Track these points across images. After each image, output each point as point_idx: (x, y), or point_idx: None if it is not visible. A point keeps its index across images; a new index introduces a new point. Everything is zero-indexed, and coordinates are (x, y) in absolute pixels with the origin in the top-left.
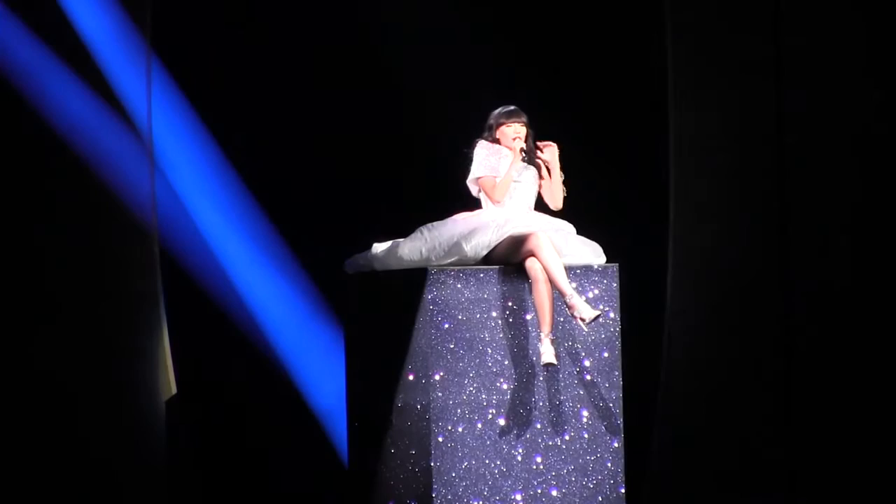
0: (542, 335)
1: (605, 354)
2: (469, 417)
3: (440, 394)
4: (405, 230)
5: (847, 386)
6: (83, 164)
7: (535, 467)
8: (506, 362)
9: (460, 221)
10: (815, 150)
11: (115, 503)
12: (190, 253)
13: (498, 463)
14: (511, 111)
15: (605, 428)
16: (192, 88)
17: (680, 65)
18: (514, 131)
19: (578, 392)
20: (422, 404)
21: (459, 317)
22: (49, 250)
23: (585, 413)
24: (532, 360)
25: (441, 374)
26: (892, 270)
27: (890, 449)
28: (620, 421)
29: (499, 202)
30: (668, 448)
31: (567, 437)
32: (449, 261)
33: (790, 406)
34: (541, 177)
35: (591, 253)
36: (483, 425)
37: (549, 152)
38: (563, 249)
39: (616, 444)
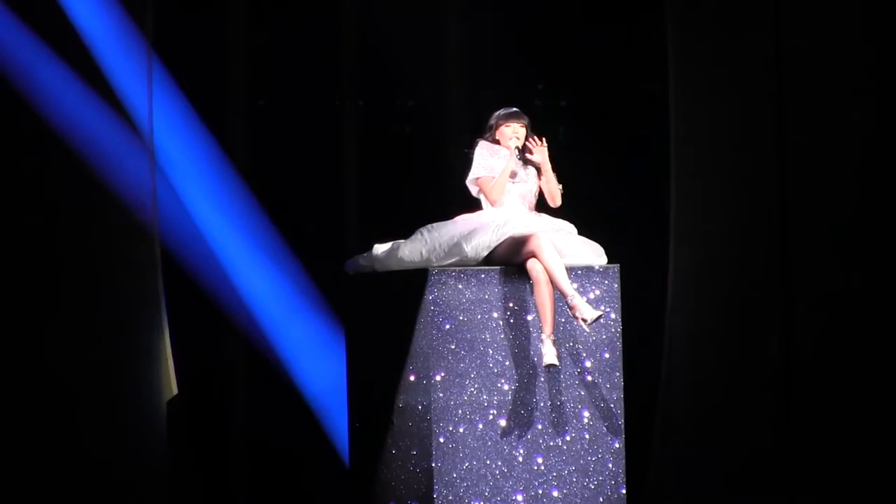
0: (544, 336)
1: (607, 355)
2: (470, 418)
3: (441, 394)
4: (406, 231)
5: (847, 386)
6: (84, 163)
7: (536, 468)
8: (507, 363)
9: (460, 222)
10: (816, 149)
11: (115, 503)
12: (191, 253)
13: (499, 464)
14: (511, 112)
15: (607, 429)
16: (192, 88)
17: (681, 65)
18: (514, 132)
19: (580, 393)
20: (423, 405)
21: (460, 317)
22: (50, 250)
23: (586, 414)
24: (533, 360)
25: (442, 374)
26: (893, 270)
27: (890, 450)
28: (621, 422)
29: (496, 202)
30: (669, 449)
31: (568, 438)
32: (449, 261)
33: (790, 406)
34: (539, 177)
35: (593, 253)
36: (484, 426)
37: (539, 152)
38: (564, 250)
39: (617, 445)
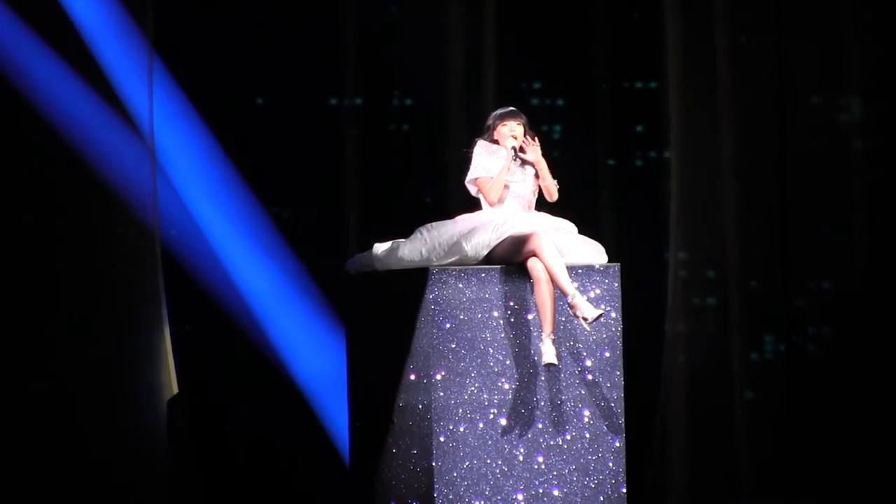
0: (544, 335)
1: (607, 354)
2: (471, 417)
3: (442, 393)
4: (407, 230)
5: (848, 386)
6: (84, 163)
7: (536, 467)
8: (507, 362)
9: (460, 222)
10: (816, 149)
11: (115, 503)
12: (191, 252)
13: (499, 463)
14: (508, 112)
15: (607, 427)
16: (193, 87)
17: (681, 64)
18: (510, 130)
19: (580, 392)
20: (423, 404)
21: (461, 316)
22: (50, 249)
23: (587, 413)
24: (533, 359)
25: (442, 373)
26: (893, 270)
27: (890, 450)
28: (622, 421)
29: (493, 202)
30: (669, 448)
31: (569, 437)
32: (449, 261)
33: (791, 406)
34: (537, 175)
35: (593, 252)
36: (485, 425)
37: (532, 151)
38: (565, 249)
39: (617, 444)
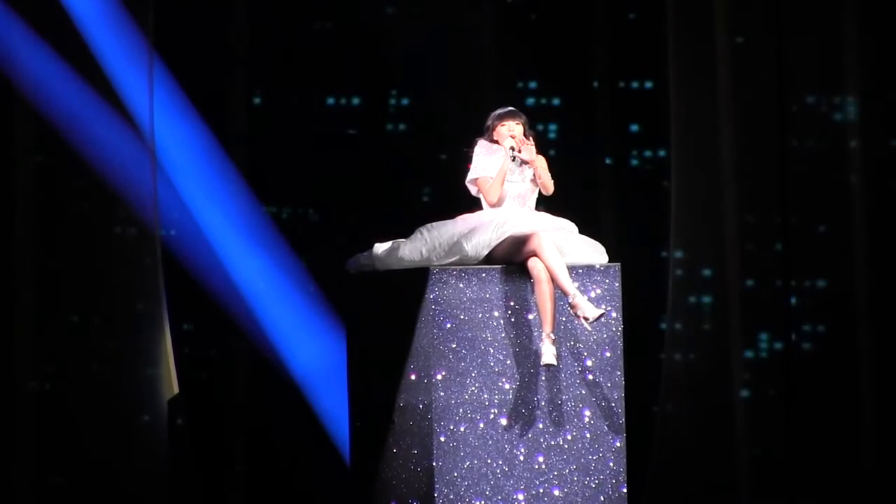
0: (544, 335)
1: (608, 354)
2: (471, 417)
3: (442, 393)
4: (407, 229)
5: (848, 386)
6: (84, 162)
7: (537, 467)
8: (508, 362)
9: (460, 221)
10: (816, 149)
11: (116, 502)
12: (191, 252)
13: (500, 462)
14: (506, 111)
15: (608, 427)
16: (193, 87)
17: (681, 64)
18: (509, 130)
19: (580, 391)
20: (424, 404)
21: (461, 316)
22: (50, 249)
23: (587, 412)
24: (534, 359)
25: (443, 373)
26: (889, 269)
27: (891, 450)
28: (622, 420)
29: (493, 202)
30: (670, 448)
31: (569, 437)
32: (450, 261)
33: (791, 405)
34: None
35: (594, 252)
36: (485, 425)
37: (527, 150)
38: (565, 248)
39: (618, 444)
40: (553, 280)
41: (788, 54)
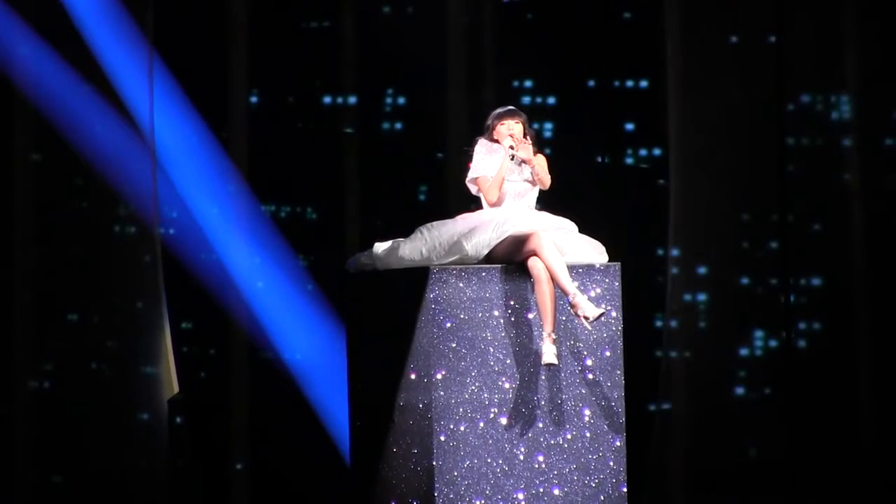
0: (544, 334)
1: (608, 353)
2: (471, 416)
3: (442, 393)
4: (407, 229)
5: (844, 384)
6: (84, 162)
7: (537, 466)
8: (508, 361)
9: (460, 221)
10: (816, 149)
11: (116, 502)
12: (191, 252)
13: (500, 462)
14: (505, 111)
15: (608, 427)
16: (193, 86)
17: (680, 64)
18: (508, 129)
19: (580, 391)
20: (424, 403)
21: (461, 316)
22: (50, 249)
23: (587, 412)
24: (534, 359)
25: (443, 373)
26: (885, 266)
27: (891, 450)
28: (622, 420)
29: (492, 201)
30: (669, 447)
31: (569, 436)
32: (450, 260)
33: (791, 405)
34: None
35: (594, 251)
36: (485, 424)
37: (523, 149)
38: (565, 248)
39: (618, 443)
40: (553, 279)
41: (786, 53)
